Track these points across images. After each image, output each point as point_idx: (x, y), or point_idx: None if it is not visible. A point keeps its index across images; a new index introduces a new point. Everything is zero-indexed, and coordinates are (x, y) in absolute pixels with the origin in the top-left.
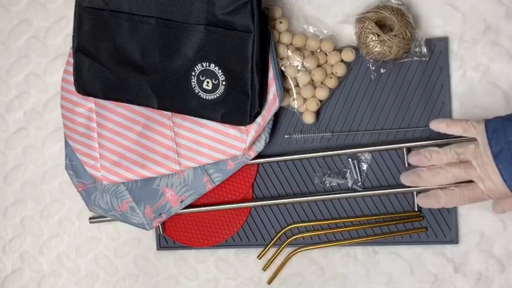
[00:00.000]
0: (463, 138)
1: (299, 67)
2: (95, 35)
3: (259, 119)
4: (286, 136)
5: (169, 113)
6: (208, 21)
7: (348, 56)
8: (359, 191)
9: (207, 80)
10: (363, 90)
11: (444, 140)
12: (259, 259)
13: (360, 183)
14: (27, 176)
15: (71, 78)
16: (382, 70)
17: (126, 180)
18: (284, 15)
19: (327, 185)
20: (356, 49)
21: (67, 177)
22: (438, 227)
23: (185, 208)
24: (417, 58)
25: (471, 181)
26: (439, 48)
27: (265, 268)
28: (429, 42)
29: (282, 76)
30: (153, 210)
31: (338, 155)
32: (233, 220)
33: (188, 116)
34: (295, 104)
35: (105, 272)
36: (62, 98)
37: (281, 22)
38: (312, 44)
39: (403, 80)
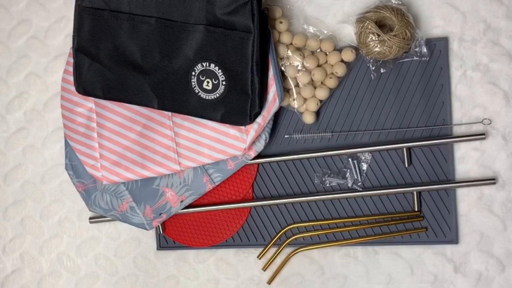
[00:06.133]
0: (463, 138)
1: (299, 67)
2: (95, 35)
3: (259, 119)
4: (286, 136)
5: (169, 113)
6: (208, 21)
7: (348, 56)
8: (359, 191)
9: (207, 80)
10: (363, 90)
11: (444, 140)
12: (259, 259)
13: (360, 183)
14: (27, 176)
15: (71, 78)
16: (382, 70)
17: (126, 180)
18: (284, 15)
19: (327, 185)
20: (356, 49)
21: (67, 177)
22: (438, 227)
23: (185, 208)
24: (417, 58)
25: None
26: (439, 48)
27: (265, 268)
28: (429, 42)
29: (282, 76)
30: (153, 210)
31: (338, 155)
32: (233, 220)
33: (188, 116)
34: (295, 104)
35: (105, 272)
36: (62, 98)
37: (281, 22)
38: (312, 44)
39: (403, 80)
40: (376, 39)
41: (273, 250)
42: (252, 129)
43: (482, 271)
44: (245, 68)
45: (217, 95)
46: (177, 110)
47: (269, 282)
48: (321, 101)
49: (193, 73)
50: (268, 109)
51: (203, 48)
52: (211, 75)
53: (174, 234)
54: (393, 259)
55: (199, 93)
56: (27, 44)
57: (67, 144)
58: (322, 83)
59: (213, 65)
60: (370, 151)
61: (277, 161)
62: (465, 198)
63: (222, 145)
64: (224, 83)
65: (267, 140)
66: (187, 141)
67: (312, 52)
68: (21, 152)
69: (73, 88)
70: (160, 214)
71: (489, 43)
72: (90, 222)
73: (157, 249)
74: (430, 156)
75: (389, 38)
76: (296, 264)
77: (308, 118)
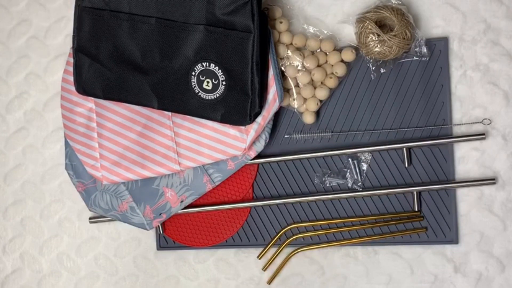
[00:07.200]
0: (463, 138)
1: (299, 67)
2: (95, 35)
3: (259, 119)
4: (286, 136)
5: (169, 113)
6: (208, 21)
7: (348, 56)
8: (359, 191)
9: (207, 80)
10: (363, 90)
11: (444, 140)
12: (259, 259)
13: (360, 183)
14: (27, 176)
15: (71, 78)
16: (382, 70)
17: (126, 180)
18: (284, 15)
19: (327, 185)
20: (356, 49)
21: (67, 177)
22: (438, 227)
23: (185, 208)
24: (417, 58)
25: None
26: (439, 48)
27: (265, 268)
28: (429, 42)
29: (282, 76)
30: (153, 210)
31: (338, 155)
32: (233, 220)
33: (188, 116)
34: (295, 104)
35: (105, 272)
36: (62, 98)
37: (281, 22)
38: (312, 44)
39: (403, 80)
40: (376, 39)
41: (273, 250)
42: (252, 129)
43: (482, 271)
44: (245, 68)
45: (217, 95)
46: (177, 110)
47: (269, 282)
48: (321, 101)
49: (193, 73)
50: (268, 109)
51: (203, 48)
52: (211, 75)
53: (174, 234)
54: (393, 259)
55: (199, 93)
56: (27, 44)
57: (67, 144)
58: (322, 83)
59: (213, 65)
60: (370, 151)
61: (277, 161)
62: (465, 198)
63: (222, 145)
64: (224, 83)
65: (267, 140)
66: (187, 141)
67: (312, 52)
68: (21, 152)
69: (73, 88)
70: (160, 214)
71: (489, 43)
72: (90, 222)
73: (157, 249)
74: (430, 156)
75: (389, 38)
76: (296, 264)
77: (308, 118)
